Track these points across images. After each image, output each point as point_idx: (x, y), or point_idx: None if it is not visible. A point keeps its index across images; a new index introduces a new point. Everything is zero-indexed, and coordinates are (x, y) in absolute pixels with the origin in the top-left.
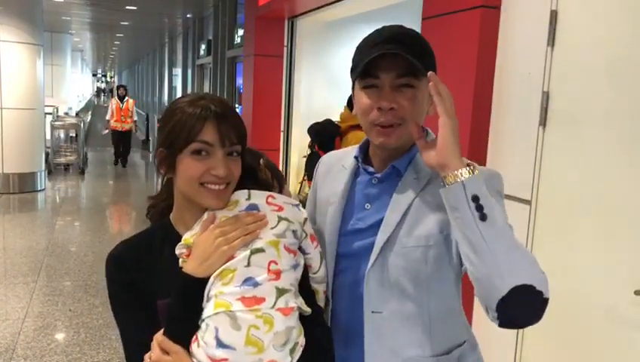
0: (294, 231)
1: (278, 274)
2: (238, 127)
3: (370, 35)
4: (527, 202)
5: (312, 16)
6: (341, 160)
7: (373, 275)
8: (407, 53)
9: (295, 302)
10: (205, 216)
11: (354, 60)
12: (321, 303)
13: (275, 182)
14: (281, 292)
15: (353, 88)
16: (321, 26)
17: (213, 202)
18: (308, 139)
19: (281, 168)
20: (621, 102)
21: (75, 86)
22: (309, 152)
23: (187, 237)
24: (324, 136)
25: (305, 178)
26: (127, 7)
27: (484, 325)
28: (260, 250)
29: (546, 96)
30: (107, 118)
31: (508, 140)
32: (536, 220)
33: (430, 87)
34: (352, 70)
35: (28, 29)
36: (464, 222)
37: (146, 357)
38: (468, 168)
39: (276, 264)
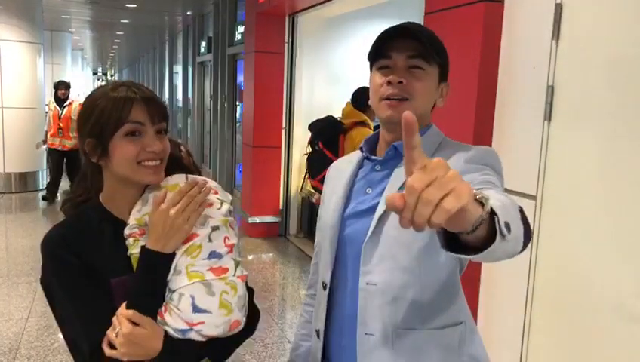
0: (230, 211)
1: (231, 247)
2: (162, 106)
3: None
4: (533, 197)
5: (312, 12)
6: (350, 158)
7: (369, 248)
8: (417, 32)
9: (245, 270)
10: (151, 196)
11: (370, 50)
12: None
13: (195, 168)
14: (236, 262)
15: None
16: (322, 22)
17: (152, 177)
18: (309, 136)
19: (282, 165)
20: (626, 95)
21: (76, 84)
22: (309, 150)
23: (138, 217)
24: (327, 133)
25: (307, 176)
26: (127, 5)
27: (490, 318)
28: (217, 228)
29: (550, 90)
30: (45, 128)
31: (513, 135)
32: (541, 215)
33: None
34: (369, 56)
35: (28, 28)
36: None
37: (110, 332)
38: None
39: (229, 239)
